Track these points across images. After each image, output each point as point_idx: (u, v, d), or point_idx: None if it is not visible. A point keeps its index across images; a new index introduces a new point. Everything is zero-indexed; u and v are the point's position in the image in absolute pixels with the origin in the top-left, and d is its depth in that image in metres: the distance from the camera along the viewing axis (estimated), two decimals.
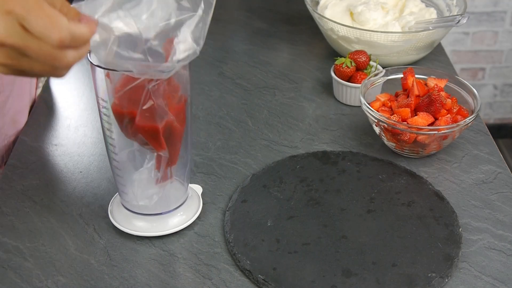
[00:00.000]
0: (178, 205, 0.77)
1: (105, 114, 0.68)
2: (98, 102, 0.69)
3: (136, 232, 0.75)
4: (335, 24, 1.05)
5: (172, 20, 0.58)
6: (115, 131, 0.70)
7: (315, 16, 1.11)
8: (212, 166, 0.87)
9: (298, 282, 0.68)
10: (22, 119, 0.97)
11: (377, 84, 0.94)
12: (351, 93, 0.99)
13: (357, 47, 1.06)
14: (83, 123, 0.96)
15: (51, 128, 0.95)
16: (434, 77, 0.91)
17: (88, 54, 0.65)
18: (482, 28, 2.17)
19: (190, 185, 0.80)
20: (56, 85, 1.07)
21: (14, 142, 0.93)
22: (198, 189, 0.82)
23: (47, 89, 1.06)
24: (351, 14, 1.11)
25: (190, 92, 0.70)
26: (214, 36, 1.24)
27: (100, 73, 0.65)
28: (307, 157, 0.87)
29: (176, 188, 0.77)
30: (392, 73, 0.95)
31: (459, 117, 0.85)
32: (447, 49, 2.16)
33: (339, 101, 1.02)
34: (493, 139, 0.93)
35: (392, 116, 0.85)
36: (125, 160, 0.74)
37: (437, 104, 0.84)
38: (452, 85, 0.91)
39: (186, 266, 0.71)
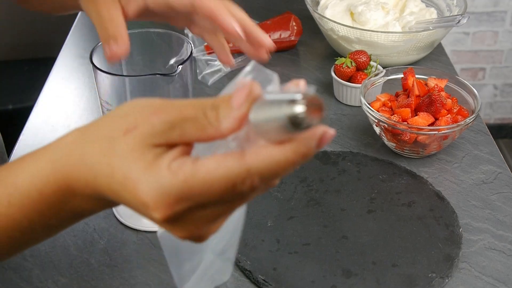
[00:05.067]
0: None
1: None
2: (101, 104, 0.69)
3: (143, 227, 0.75)
4: (336, 24, 1.05)
5: None
6: None
7: (315, 16, 1.10)
8: None
9: (298, 282, 0.68)
10: None
11: (377, 84, 0.94)
12: (351, 93, 0.99)
13: (358, 47, 1.06)
14: (83, 123, 0.96)
15: (51, 128, 0.95)
16: (435, 77, 0.91)
17: (91, 56, 0.65)
18: (482, 28, 2.17)
19: None
20: (56, 84, 1.07)
21: None
22: None
23: (46, 90, 1.06)
24: (352, 14, 1.11)
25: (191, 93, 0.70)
26: None
27: (102, 76, 0.65)
28: None
29: None
30: (392, 73, 0.94)
31: (459, 117, 0.85)
32: (447, 49, 2.16)
33: (339, 101, 1.02)
34: (493, 139, 0.93)
35: (392, 116, 0.85)
36: None
37: (438, 104, 0.84)
38: (452, 85, 0.91)
39: None
